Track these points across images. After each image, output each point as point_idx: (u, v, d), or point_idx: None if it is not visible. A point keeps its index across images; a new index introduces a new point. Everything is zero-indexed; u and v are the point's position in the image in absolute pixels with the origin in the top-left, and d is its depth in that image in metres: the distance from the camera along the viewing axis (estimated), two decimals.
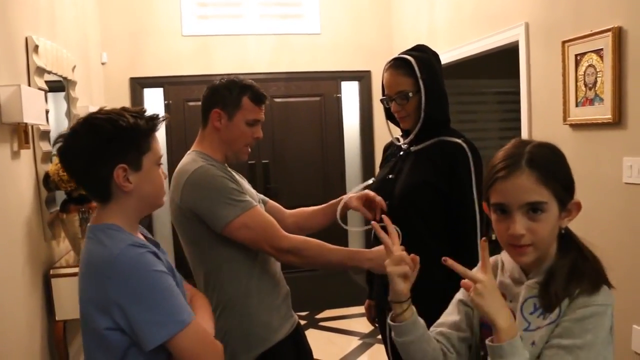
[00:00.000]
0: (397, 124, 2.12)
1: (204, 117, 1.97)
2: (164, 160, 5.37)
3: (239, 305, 1.85)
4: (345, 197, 2.10)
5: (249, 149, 1.98)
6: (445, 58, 4.72)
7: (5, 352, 2.62)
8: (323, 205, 2.20)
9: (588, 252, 1.28)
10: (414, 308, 1.33)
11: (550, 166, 1.22)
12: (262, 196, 2.19)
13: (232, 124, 1.92)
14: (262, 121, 1.97)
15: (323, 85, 5.97)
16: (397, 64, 1.99)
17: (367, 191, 2.05)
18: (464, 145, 1.94)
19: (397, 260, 1.30)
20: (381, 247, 1.87)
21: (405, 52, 2.02)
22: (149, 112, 1.41)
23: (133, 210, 1.40)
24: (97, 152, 1.32)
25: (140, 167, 1.37)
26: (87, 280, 1.33)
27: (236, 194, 1.80)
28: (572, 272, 1.20)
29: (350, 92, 6.15)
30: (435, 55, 2.04)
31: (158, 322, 1.26)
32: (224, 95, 1.92)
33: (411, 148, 2.02)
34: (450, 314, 1.42)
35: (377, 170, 2.45)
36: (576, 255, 1.25)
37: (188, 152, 1.99)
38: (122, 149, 1.33)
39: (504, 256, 1.35)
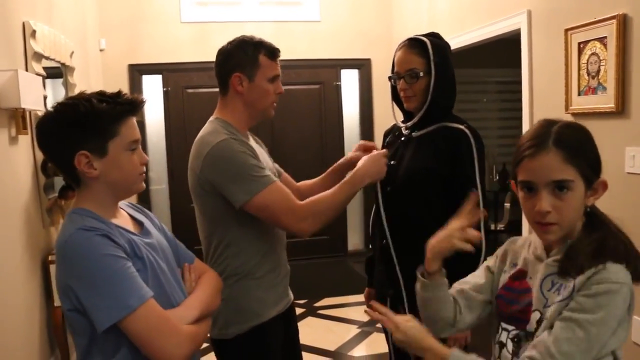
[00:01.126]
0: (401, 107, 2.09)
1: (223, 84, 1.91)
2: (161, 147, 5.46)
3: (240, 280, 1.85)
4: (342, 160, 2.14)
5: (275, 105, 1.95)
6: None
7: (5, 338, 2.61)
8: (327, 173, 2.19)
9: (616, 229, 1.27)
10: (444, 270, 1.40)
11: (577, 145, 1.23)
12: (277, 167, 2.18)
13: (254, 85, 1.86)
14: (280, 76, 1.93)
15: (323, 73, 5.94)
16: (412, 44, 1.97)
17: (361, 142, 2.09)
18: (467, 131, 1.92)
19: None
20: (367, 156, 1.91)
21: (421, 35, 2.00)
22: (127, 97, 1.36)
23: (105, 195, 1.37)
24: (58, 139, 1.30)
25: (106, 153, 1.32)
26: (56, 264, 1.33)
27: (256, 170, 1.78)
28: (597, 249, 1.19)
29: (350, 80, 6.13)
30: (448, 46, 2.03)
31: (103, 307, 1.24)
32: (240, 57, 1.86)
33: (413, 133, 2.01)
34: (477, 277, 1.46)
35: None
36: (604, 233, 1.24)
37: (210, 119, 1.94)
38: (82, 135, 1.30)
39: (533, 235, 1.36)
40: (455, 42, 4.49)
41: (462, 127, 1.94)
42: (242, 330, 1.83)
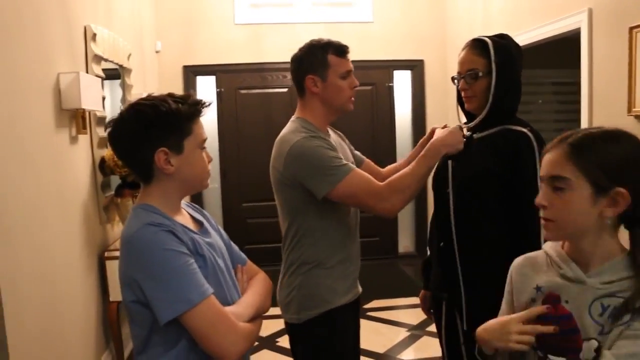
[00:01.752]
0: (464, 109, 2.06)
1: (299, 87, 2.03)
2: (214, 147, 5.55)
3: (312, 268, 1.97)
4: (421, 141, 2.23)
5: (353, 99, 2.06)
6: None
7: (63, 331, 2.70)
8: (409, 155, 2.26)
9: None
10: None
11: (588, 144, 1.15)
12: (359, 155, 2.30)
13: (328, 84, 1.97)
14: (353, 70, 2.03)
15: (375, 74, 5.90)
16: (475, 44, 1.94)
17: (432, 129, 2.14)
18: (530, 134, 1.86)
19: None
20: (445, 130, 1.96)
21: (487, 36, 1.97)
22: (194, 98, 1.45)
23: (174, 192, 1.45)
24: (140, 136, 1.37)
25: (182, 150, 1.40)
26: (120, 257, 1.39)
27: (336, 161, 1.88)
28: None
29: (402, 81, 6.08)
30: (517, 47, 1.97)
31: (166, 300, 1.30)
32: (311, 60, 1.98)
33: (474, 135, 1.97)
34: None
35: None
36: None
37: (292, 118, 2.06)
38: (163, 133, 1.38)
39: (549, 249, 1.29)
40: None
41: (524, 130, 1.88)
42: (312, 315, 1.95)
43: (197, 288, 1.32)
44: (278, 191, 2.02)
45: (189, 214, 1.55)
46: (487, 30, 4.90)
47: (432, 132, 2.11)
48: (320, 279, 1.97)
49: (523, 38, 4.21)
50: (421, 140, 2.24)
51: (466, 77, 1.93)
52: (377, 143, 5.90)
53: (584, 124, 3.52)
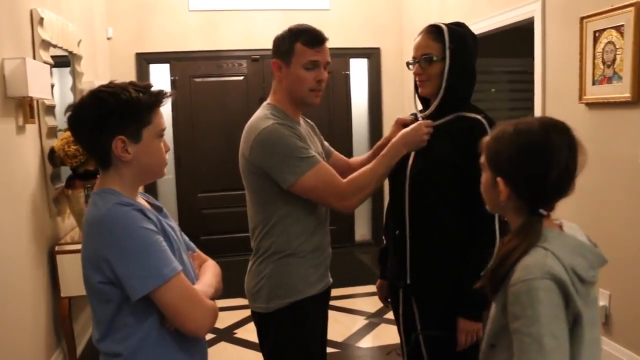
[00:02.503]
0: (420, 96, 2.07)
1: (273, 70, 2.01)
2: (169, 137, 5.42)
3: (284, 257, 1.93)
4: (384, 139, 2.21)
5: (318, 93, 1.99)
6: None
7: (11, 328, 2.60)
8: (375, 148, 2.25)
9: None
10: None
11: (494, 140, 1.33)
12: (328, 148, 2.28)
13: (290, 71, 1.93)
14: (322, 63, 1.97)
15: (332, 62, 5.86)
16: (431, 29, 1.96)
17: (397, 119, 2.14)
18: (484, 121, 1.88)
19: None
20: (408, 128, 1.94)
21: (444, 23, 1.97)
22: (156, 88, 1.45)
23: (131, 179, 1.46)
24: (99, 123, 1.38)
25: (140, 139, 1.42)
26: (84, 240, 1.40)
27: (302, 152, 1.85)
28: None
29: (359, 69, 6.07)
30: (472, 36, 1.99)
31: (140, 276, 1.32)
32: (279, 45, 1.95)
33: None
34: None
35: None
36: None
37: (263, 104, 2.02)
38: (122, 121, 1.39)
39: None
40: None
41: (479, 117, 1.90)
42: (282, 305, 1.92)
43: (169, 264, 1.35)
44: (246, 179, 1.98)
45: (145, 200, 1.56)
46: (443, 18, 4.92)
47: (398, 122, 2.11)
48: (293, 267, 1.93)
49: (478, 27, 4.25)
50: (388, 134, 2.20)
51: (421, 61, 1.94)
52: (334, 131, 5.88)
53: (537, 112, 3.58)
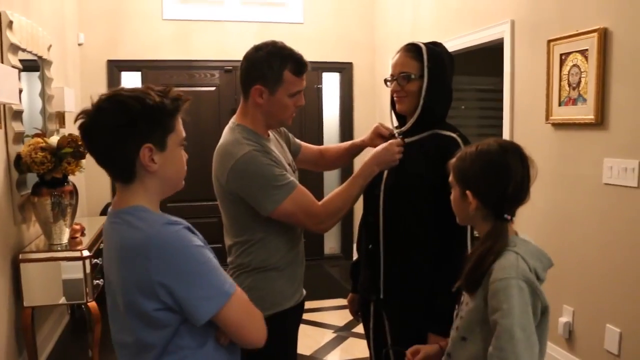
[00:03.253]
0: (397, 113, 2.10)
1: (245, 91, 1.92)
2: None
3: (263, 272, 1.94)
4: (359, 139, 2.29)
5: (293, 115, 1.98)
6: None
7: None
8: (347, 147, 2.35)
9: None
10: None
11: (461, 161, 1.55)
12: (296, 143, 2.30)
13: (274, 99, 1.87)
14: (303, 89, 1.94)
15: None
16: (409, 48, 1.99)
17: (378, 125, 2.18)
18: (459, 139, 1.92)
19: None
20: (379, 147, 1.98)
21: (422, 42, 2.01)
22: (175, 92, 1.35)
23: (156, 192, 1.37)
24: (124, 130, 1.27)
25: (165, 147, 1.32)
26: (125, 266, 1.28)
27: (279, 179, 1.84)
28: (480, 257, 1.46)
29: (331, 83, 6.12)
30: (449, 55, 2.03)
31: (205, 297, 1.26)
32: (264, 70, 1.85)
33: (405, 140, 2.00)
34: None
35: (356, 162, 2.45)
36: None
37: (231, 124, 1.96)
38: (149, 127, 1.29)
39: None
40: None
41: (454, 135, 1.93)
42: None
43: (227, 279, 1.32)
44: (222, 203, 1.96)
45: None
46: (415, 36, 5.01)
47: (375, 131, 2.15)
48: (271, 281, 1.94)
49: (450, 45, 4.27)
50: (357, 141, 2.30)
51: (399, 78, 1.97)
52: (305, 142, 5.91)
53: (506, 130, 3.66)
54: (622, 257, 2.72)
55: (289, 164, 2.05)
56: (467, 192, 1.50)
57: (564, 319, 3.13)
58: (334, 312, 4.46)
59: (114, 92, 1.31)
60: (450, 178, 1.58)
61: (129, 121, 1.26)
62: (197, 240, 1.31)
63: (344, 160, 2.40)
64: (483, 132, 6.78)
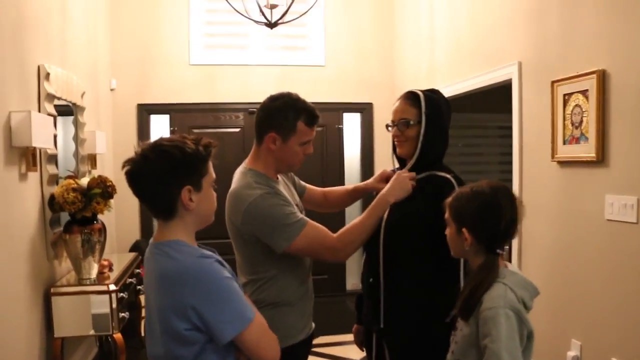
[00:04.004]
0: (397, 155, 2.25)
1: (259, 137, 2.11)
2: None
3: (276, 307, 2.06)
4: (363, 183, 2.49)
5: (302, 161, 2.15)
6: (444, 93, 4.85)
7: None
8: (351, 190, 2.52)
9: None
10: None
11: (455, 201, 1.73)
12: (301, 185, 2.46)
13: (286, 146, 2.05)
14: (313, 138, 2.13)
15: (325, 116, 6.06)
16: (409, 96, 2.16)
17: (383, 170, 2.35)
18: (453, 180, 2.06)
19: None
20: (392, 180, 2.11)
21: (420, 90, 2.17)
22: (206, 140, 1.59)
23: (192, 226, 1.60)
24: (167, 175, 1.51)
25: (201, 188, 1.56)
26: (163, 291, 1.51)
27: (291, 218, 1.98)
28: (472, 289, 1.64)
29: (352, 123, 6.31)
30: (446, 101, 2.20)
31: (228, 321, 1.48)
32: (280, 120, 2.04)
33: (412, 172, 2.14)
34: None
35: None
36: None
37: (242, 168, 2.14)
38: (188, 172, 1.53)
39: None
40: (453, 89, 4.67)
41: (448, 176, 2.08)
42: None
43: (248, 307, 1.54)
44: (237, 243, 2.11)
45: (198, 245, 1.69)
46: (431, 77, 5.18)
47: (383, 174, 2.30)
48: (284, 316, 2.06)
49: (463, 86, 4.49)
50: (361, 185, 2.47)
51: (399, 124, 2.12)
52: (326, 182, 6.03)
53: (515, 168, 3.77)
54: (625, 291, 2.77)
55: (297, 205, 2.19)
56: (464, 229, 1.67)
57: (572, 353, 3.17)
58: (353, 346, 4.51)
59: (155, 142, 1.55)
60: (447, 215, 1.75)
61: (172, 167, 1.50)
62: (226, 272, 1.54)
63: (345, 203, 2.55)
64: (506, 169, 6.84)
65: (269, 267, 2.06)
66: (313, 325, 2.26)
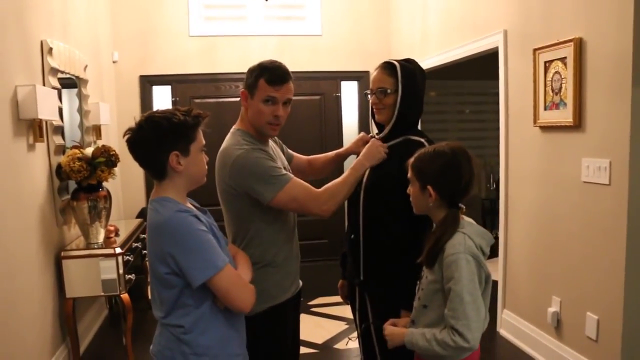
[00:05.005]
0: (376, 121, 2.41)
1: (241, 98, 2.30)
2: None
3: (262, 267, 2.19)
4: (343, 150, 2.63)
5: (275, 127, 2.24)
6: (436, 61, 4.98)
7: (21, 325, 2.93)
8: (333, 155, 2.67)
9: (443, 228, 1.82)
10: None
11: (419, 161, 1.87)
12: (289, 153, 2.60)
13: (252, 102, 2.18)
14: (280, 100, 2.20)
15: (323, 85, 6.25)
16: (386, 66, 2.29)
17: (361, 134, 2.49)
18: (426, 143, 2.21)
19: None
20: (366, 147, 2.28)
21: (396, 60, 2.31)
22: (196, 111, 1.76)
23: (182, 186, 1.78)
24: (157, 142, 1.70)
25: (189, 153, 1.74)
26: (150, 240, 1.73)
27: (276, 171, 2.13)
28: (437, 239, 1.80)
29: (349, 91, 6.43)
30: (421, 70, 2.34)
31: (199, 267, 1.66)
32: (247, 77, 2.20)
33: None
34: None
35: None
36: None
37: (232, 130, 2.27)
38: (175, 139, 1.70)
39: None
40: (444, 57, 4.79)
41: (422, 140, 2.23)
42: (260, 309, 2.14)
43: (220, 257, 1.70)
44: (225, 200, 2.24)
45: (192, 205, 1.88)
46: (424, 45, 5.29)
47: (363, 138, 2.45)
48: (269, 275, 2.19)
49: (454, 53, 4.60)
50: (342, 151, 2.63)
51: (377, 93, 2.26)
52: (325, 149, 6.18)
53: (502, 133, 3.91)
54: (599, 249, 2.94)
55: (285, 167, 2.32)
56: (428, 186, 1.81)
57: (552, 309, 3.36)
58: (347, 307, 4.73)
59: (149, 114, 1.76)
60: (410, 175, 1.90)
61: (160, 135, 1.69)
62: (202, 225, 1.71)
63: (330, 169, 2.68)
64: (495, 135, 6.97)
65: (255, 222, 2.18)
66: (300, 283, 2.40)
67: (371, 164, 2.25)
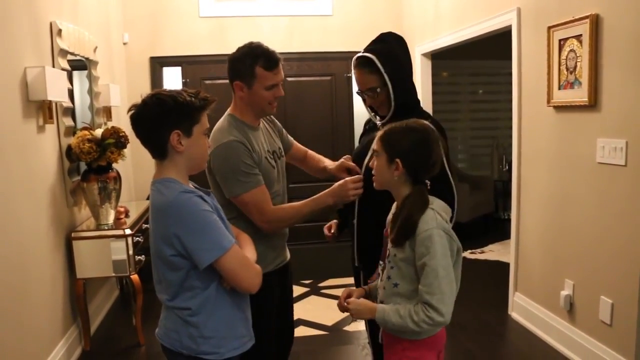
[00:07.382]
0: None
1: (231, 87, 2.23)
2: None
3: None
4: (332, 164, 2.51)
5: (275, 105, 2.24)
6: (449, 40, 4.90)
7: (33, 305, 2.96)
8: (321, 166, 2.58)
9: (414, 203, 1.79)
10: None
11: (388, 134, 1.82)
12: (288, 139, 2.56)
13: (252, 92, 2.15)
14: (280, 82, 2.20)
15: (334, 65, 6.18)
16: (362, 62, 2.17)
17: (344, 160, 2.39)
18: (430, 125, 2.16)
19: None
20: (336, 184, 2.21)
21: (368, 48, 2.20)
22: (203, 94, 1.74)
23: (183, 168, 1.75)
24: (160, 119, 1.67)
25: (191, 134, 1.71)
26: (155, 221, 1.71)
27: (247, 175, 2.11)
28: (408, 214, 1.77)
29: None
30: (398, 42, 2.21)
31: (206, 249, 1.64)
32: (239, 68, 2.13)
33: (363, 178, 2.22)
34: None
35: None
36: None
37: (226, 112, 2.27)
38: (178, 118, 1.68)
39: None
40: (457, 36, 4.71)
41: (426, 122, 2.17)
42: None
43: (226, 237, 1.68)
44: (210, 175, 2.23)
45: (194, 187, 1.86)
46: (437, 25, 5.21)
47: (343, 165, 2.36)
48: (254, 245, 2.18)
49: (468, 32, 4.52)
50: (328, 167, 2.52)
51: (367, 93, 2.20)
52: (336, 129, 6.20)
53: (515, 113, 3.85)
54: (613, 232, 2.89)
55: (275, 151, 2.31)
56: (397, 160, 1.77)
57: (565, 292, 3.33)
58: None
59: (156, 91, 1.73)
60: (377, 147, 1.84)
61: (164, 112, 1.66)
62: (207, 206, 1.70)
63: (317, 174, 2.63)
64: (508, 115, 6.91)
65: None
66: (288, 256, 2.42)
67: (335, 202, 2.21)
